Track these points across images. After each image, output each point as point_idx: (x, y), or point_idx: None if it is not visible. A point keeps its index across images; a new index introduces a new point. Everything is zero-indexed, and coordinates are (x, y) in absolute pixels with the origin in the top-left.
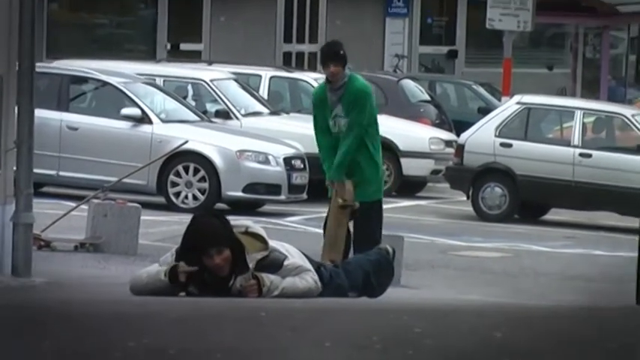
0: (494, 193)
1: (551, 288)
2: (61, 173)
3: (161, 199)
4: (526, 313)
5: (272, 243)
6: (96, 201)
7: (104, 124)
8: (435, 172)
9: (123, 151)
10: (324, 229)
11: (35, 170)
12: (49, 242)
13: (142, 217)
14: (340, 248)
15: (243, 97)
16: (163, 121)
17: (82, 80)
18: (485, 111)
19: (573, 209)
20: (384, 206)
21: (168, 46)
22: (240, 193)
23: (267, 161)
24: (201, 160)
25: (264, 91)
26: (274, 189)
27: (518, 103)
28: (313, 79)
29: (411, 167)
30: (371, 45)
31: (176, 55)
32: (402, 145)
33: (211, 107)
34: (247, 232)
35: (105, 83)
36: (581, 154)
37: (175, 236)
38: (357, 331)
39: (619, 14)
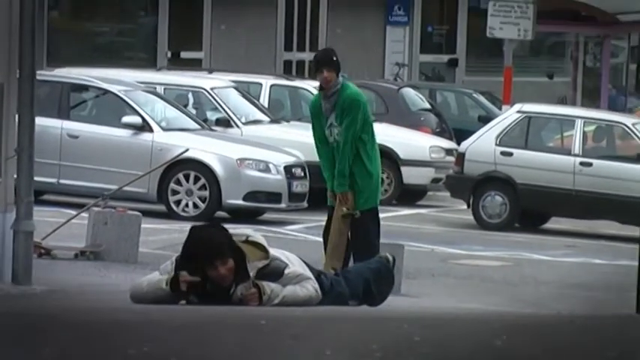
0: (495, 201)
1: (551, 297)
2: (62, 181)
3: (161, 207)
4: (526, 321)
5: (273, 251)
6: (96, 209)
7: (105, 132)
8: (435, 180)
9: (123, 159)
10: (324, 237)
11: (36, 178)
12: (50, 250)
13: (143, 225)
14: (341, 256)
15: (244, 106)
16: (164, 129)
17: (83, 88)
18: (485, 119)
19: (574, 218)
20: (384, 215)
21: (169, 54)
22: (240, 202)
23: (267, 169)
24: (201, 168)
25: (264, 100)
26: (275, 197)
27: (518, 111)
28: (314, 87)
29: (412, 176)
30: (371, 53)
31: (177, 63)
32: (402, 154)
33: (212, 115)
34: (248, 241)
35: (105, 91)
36: (581, 163)
37: (176, 244)
38: (357, 339)
39: (619, 23)
